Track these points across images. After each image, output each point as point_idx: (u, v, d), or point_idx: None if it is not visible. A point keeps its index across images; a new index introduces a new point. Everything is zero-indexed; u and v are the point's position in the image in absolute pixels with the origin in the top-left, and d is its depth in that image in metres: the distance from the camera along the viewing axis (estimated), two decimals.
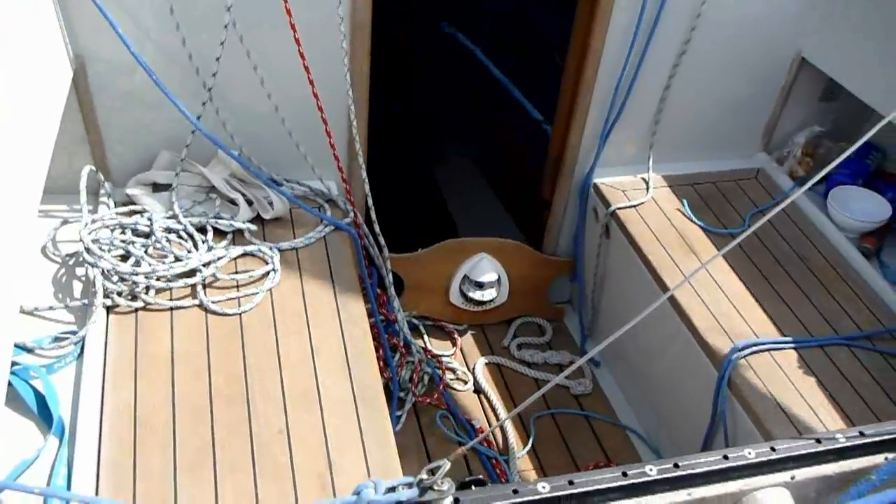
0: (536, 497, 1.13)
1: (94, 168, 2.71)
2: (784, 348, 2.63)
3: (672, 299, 2.77)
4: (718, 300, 2.80)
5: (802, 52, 3.22)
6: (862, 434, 1.31)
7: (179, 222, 2.64)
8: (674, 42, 3.07)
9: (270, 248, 2.63)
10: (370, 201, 2.94)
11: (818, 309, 2.79)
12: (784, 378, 2.54)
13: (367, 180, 2.91)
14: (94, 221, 2.55)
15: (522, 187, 3.99)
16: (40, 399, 2.05)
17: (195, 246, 2.58)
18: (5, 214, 1.76)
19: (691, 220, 3.15)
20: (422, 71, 5.08)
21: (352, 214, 2.90)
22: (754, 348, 2.60)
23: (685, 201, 3.24)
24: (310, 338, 2.39)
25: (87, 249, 2.41)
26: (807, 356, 2.61)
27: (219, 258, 2.54)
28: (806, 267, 2.97)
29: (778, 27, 3.16)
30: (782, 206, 2.01)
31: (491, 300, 3.50)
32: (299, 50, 2.55)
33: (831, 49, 3.14)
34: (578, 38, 3.10)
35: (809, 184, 2.32)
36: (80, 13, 2.39)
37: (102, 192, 2.76)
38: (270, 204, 2.78)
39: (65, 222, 2.65)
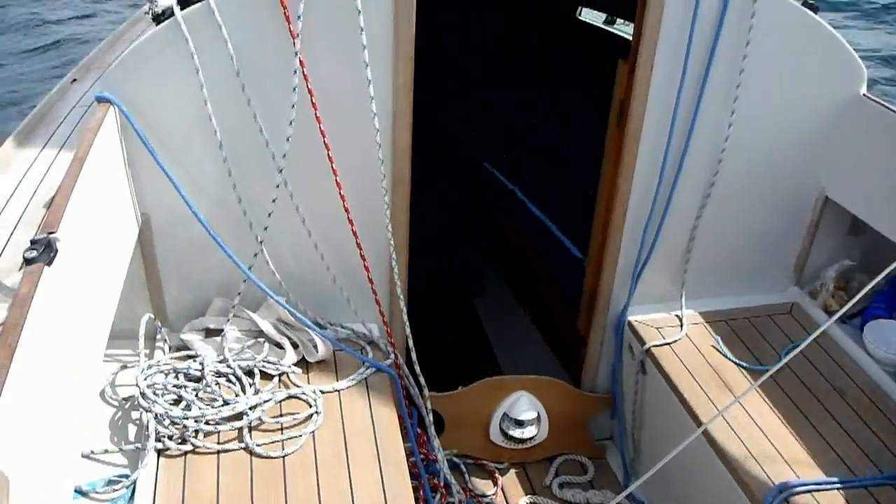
0: None
1: (152, 316, 2.90)
2: (827, 489, 2.59)
3: (710, 439, 2.77)
4: (757, 438, 2.79)
5: (826, 190, 3.33)
6: None
7: (229, 366, 2.78)
8: (699, 182, 3.21)
9: (314, 391, 2.75)
10: (411, 343, 3.06)
11: (859, 445, 2.76)
12: None
13: (407, 323, 3.04)
14: (149, 367, 2.71)
15: (561, 322, 4.08)
16: None
17: (243, 389, 2.70)
18: (74, 364, 1.92)
19: (726, 357, 3.19)
20: (461, 208, 5.32)
21: (392, 356, 3.01)
22: (796, 489, 2.56)
23: (719, 338, 3.29)
24: (350, 479, 2.46)
25: (143, 395, 2.56)
26: (850, 497, 2.56)
27: (265, 401, 2.66)
28: (845, 402, 2.96)
29: (800, 165, 3.29)
30: (813, 336, 2.08)
31: (531, 438, 3.52)
32: (344, 205, 2.77)
33: (853, 186, 3.25)
34: (606, 181, 3.27)
35: (838, 314, 2.40)
36: (147, 175, 2.65)
37: (159, 336, 2.94)
38: (315, 347, 2.92)
39: (123, 367, 2.81)
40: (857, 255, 3.50)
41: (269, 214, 2.76)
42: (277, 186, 2.72)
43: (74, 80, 4.36)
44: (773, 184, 3.30)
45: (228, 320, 2.90)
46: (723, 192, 3.23)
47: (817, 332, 2.14)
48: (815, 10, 3.01)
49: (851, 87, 3.13)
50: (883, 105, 3.08)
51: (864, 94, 3.14)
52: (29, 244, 1.77)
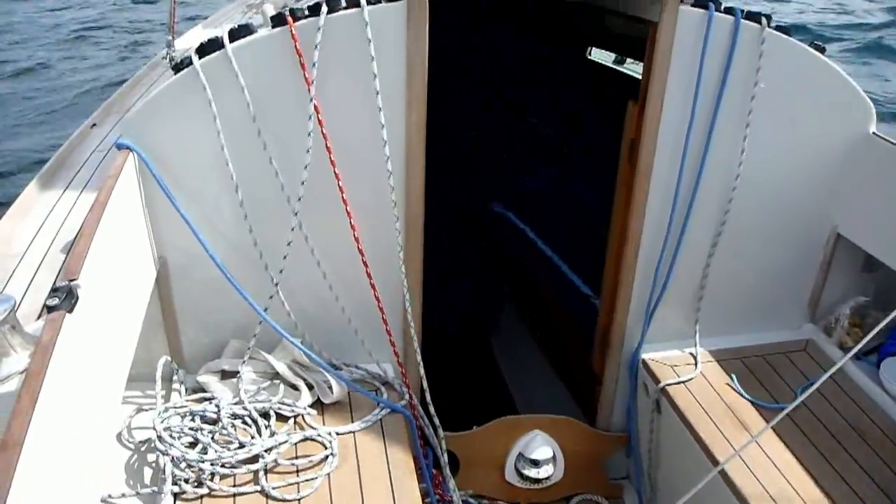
0: None
1: (169, 358, 2.92)
2: None
3: (727, 478, 2.75)
4: (774, 477, 2.77)
5: (838, 227, 3.34)
6: None
7: (245, 408, 2.80)
8: (710, 219, 3.23)
9: (329, 433, 2.75)
10: (425, 383, 3.07)
11: (879, 486, 2.73)
12: None
13: (421, 363, 3.05)
14: (166, 410, 2.73)
15: (575, 359, 4.08)
16: None
17: (258, 432, 2.72)
18: (94, 409, 1.94)
19: (741, 395, 3.17)
20: (476, 246, 5.35)
21: (407, 397, 3.02)
22: None
23: (734, 376, 3.27)
24: None
25: (160, 438, 2.57)
26: None
27: (280, 444, 2.67)
28: (862, 441, 2.93)
29: (812, 202, 3.30)
30: (829, 373, 2.08)
31: (547, 477, 3.50)
32: (359, 247, 2.80)
33: (866, 223, 3.26)
34: (618, 218, 3.29)
35: (853, 352, 2.39)
36: (165, 219, 2.70)
37: (175, 378, 2.97)
38: (330, 388, 2.93)
39: (140, 409, 2.83)
40: (871, 292, 3.49)
41: (285, 257, 2.79)
42: (293, 229, 2.76)
43: (94, 124, 4.46)
44: (785, 221, 3.32)
45: (244, 362, 2.93)
46: (735, 230, 3.24)
47: (833, 370, 2.14)
48: (822, 50, 3.05)
49: (861, 126, 3.16)
50: (892, 143, 3.10)
51: (873, 133, 3.17)
52: (51, 291, 1.81)
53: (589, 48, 5.20)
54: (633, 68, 4.81)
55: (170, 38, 5.65)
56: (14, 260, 2.83)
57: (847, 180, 3.24)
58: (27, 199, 3.34)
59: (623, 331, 3.41)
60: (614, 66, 5.02)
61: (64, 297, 1.78)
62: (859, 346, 2.42)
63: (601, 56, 5.22)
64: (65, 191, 3.42)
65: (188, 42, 6.43)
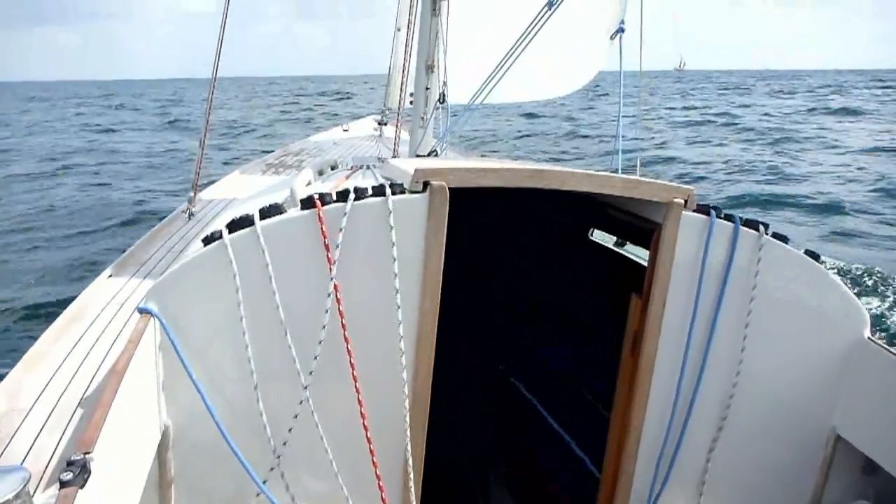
0: None
1: None
2: None
3: None
4: None
5: (837, 429, 3.36)
6: None
7: None
8: (712, 415, 3.26)
9: None
10: None
11: None
12: None
13: None
14: None
15: None
16: None
17: None
18: None
19: None
20: (476, 414, 5.32)
21: None
22: None
23: None
24: None
25: None
26: None
27: None
28: None
29: (811, 403, 3.34)
30: None
31: None
32: (364, 423, 2.82)
33: (864, 426, 3.28)
34: (620, 406, 3.33)
35: None
36: (176, 386, 2.70)
37: None
38: None
39: None
40: (871, 496, 3.46)
41: (290, 430, 2.80)
42: (301, 402, 2.79)
43: (111, 275, 4.58)
44: (784, 420, 3.35)
45: None
46: (736, 426, 3.27)
47: None
48: (816, 258, 3.21)
49: (855, 331, 3.27)
50: (886, 349, 3.19)
51: (868, 338, 3.27)
52: (66, 465, 1.82)
53: (591, 229, 5.43)
54: (633, 252, 5.00)
55: (192, 194, 5.93)
56: (20, 415, 2.84)
57: (844, 383, 3.31)
58: (39, 350, 3.38)
59: None
60: (615, 249, 5.22)
61: (78, 473, 1.79)
62: None
63: (602, 238, 5.43)
64: (77, 343, 3.47)
65: (212, 194, 6.76)
